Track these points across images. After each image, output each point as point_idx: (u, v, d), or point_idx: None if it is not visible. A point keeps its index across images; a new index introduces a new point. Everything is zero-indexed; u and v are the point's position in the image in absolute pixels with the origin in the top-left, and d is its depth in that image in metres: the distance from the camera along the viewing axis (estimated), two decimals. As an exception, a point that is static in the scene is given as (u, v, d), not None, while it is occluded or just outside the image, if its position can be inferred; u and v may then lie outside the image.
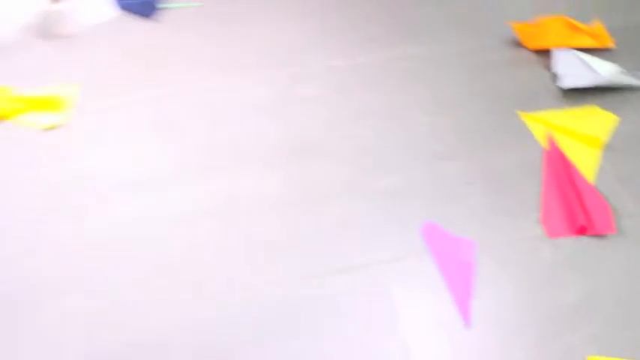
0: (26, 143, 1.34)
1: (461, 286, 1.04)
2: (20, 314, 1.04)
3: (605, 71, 1.38)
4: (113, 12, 1.61)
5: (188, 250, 1.13)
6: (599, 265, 1.08)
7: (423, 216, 1.18)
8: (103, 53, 1.52)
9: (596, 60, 1.42)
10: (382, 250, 1.13)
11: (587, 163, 1.23)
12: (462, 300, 1.03)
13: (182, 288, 1.08)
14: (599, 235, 1.12)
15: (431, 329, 1.02)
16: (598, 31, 1.50)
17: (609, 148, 1.28)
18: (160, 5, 1.63)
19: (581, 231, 1.11)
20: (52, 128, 1.36)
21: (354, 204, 1.21)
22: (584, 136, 1.28)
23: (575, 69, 1.40)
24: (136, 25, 1.60)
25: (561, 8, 1.58)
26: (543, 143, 1.29)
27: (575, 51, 1.45)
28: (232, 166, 1.27)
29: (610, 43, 1.49)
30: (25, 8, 1.57)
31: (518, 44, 1.52)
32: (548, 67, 1.46)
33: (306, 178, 1.25)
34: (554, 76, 1.42)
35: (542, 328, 1.00)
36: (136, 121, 1.37)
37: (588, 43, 1.49)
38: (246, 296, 1.07)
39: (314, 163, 1.28)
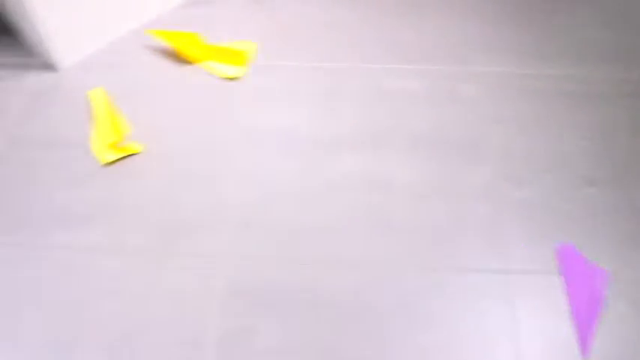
0: (206, 89, 1.50)
1: (586, 316, 1.07)
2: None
3: None
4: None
5: (324, 218, 1.24)
6: None
7: (558, 236, 1.21)
8: (293, 19, 1.64)
9: None
10: (512, 260, 1.18)
11: None
12: (585, 330, 1.06)
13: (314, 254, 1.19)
14: None
15: (546, 350, 1.06)
16: None
17: None
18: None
19: None
20: (231, 79, 1.50)
21: (491, 208, 1.25)
22: None
23: None
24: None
25: None
26: None
27: None
28: (381, 147, 1.36)
29: None
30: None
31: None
32: None
33: (447, 174, 1.31)
34: None
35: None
36: (307, 88, 1.48)
37: None
38: (362, 272, 1.16)
39: (458, 161, 1.33)
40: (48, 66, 1.56)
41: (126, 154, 1.36)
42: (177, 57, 1.56)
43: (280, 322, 1.11)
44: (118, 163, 1.36)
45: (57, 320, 1.14)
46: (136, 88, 1.51)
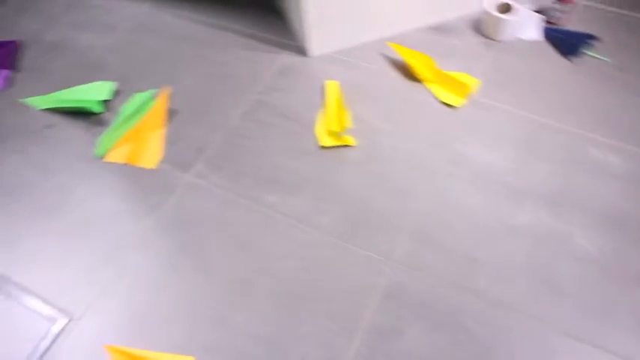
0: (425, 108, 1.65)
1: None
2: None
3: None
4: (538, 36, 1.81)
5: (492, 256, 1.35)
6: None
7: None
8: (521, 68, 1.73)
9: None
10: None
11: None
12: None
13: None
14: None
15: None
16: None
17: None
18: (582, 50, 1.76)
19: None
20: (447, 104, 1.64)
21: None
22: None
23: None
24: (550, 55, 1.77)
25: None
26: None
27: None
28: (566, 208, 1.41)
29: None
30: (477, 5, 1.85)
31: None
32: None
33: (626, 254, 1.33)
34: None
35: None
36: (513, 133, 1.58)
37: None
38: (513, 317, 1.25)
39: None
40: (300, 50, 1.82)
41: (341, 144, 1.56)
42: (407, 73, 1.73)
43: (426, 333, 1.24)
44: (332, 149, 1.56)
45: (243, 263, 1.38)
46: (366, 89, 1.70)
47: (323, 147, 1.55)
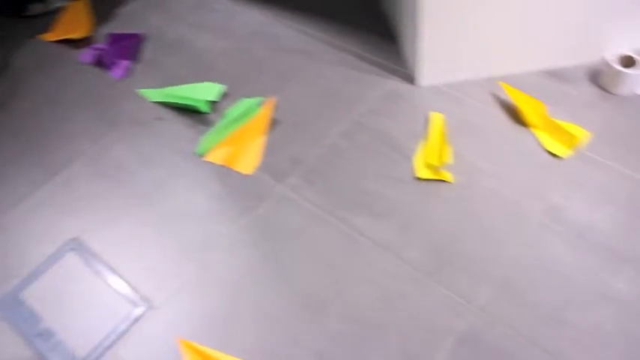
0: (528, 155, 1.60)
1: None
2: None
3: None
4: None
5: (582, 320, 1.27)
6: None
7: None
8: (625, 119, 1.65)
9: None
10: None
11: None
12: None
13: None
14: None
15: None
16: None
17: None
18: None
19: None
20: (552, 154, 1.58)
21: None
22: None
23: None
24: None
25: None
26: None
27: None
28: None
29: None
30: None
31: None
32: None
33: None
34: None
35: None
36: (619, 195, 1.49)
37: None
38: None
39: None
40: (408, 78, 1.81)
41: (438, 179, 1.53)
42: (515, 115, 1.69)
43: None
44: (428, 182, 1.54)
45: (322, 281, 1.38)
46: (469, 126, 1.67)
47: (418, 178, 1.54)
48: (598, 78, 1.77)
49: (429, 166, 1.54)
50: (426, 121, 1.68)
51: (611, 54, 1.71)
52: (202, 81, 1.87)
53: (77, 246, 1.50)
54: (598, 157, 1.57)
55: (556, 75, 1.79)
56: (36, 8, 2.27)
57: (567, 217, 1.44)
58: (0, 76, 2.05)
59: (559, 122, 1.62)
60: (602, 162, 1.56)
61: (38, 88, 1.98)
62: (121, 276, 1.43)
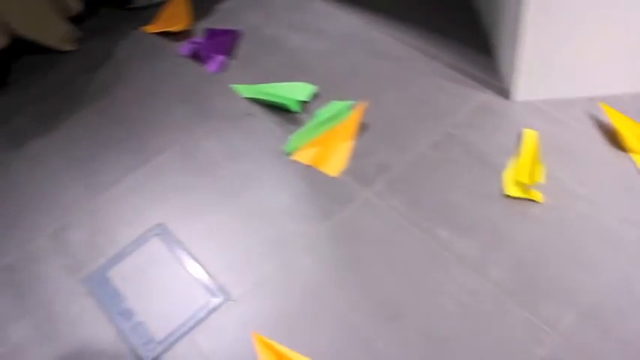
0: (625, 180, 1.53)
1: None
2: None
3: None
4: None
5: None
6: None
7: None
8: None
9: None
10: None
11: None
12: None
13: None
14: None
15: None
16: None
17: None
18: None
19: None
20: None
21: None
22: None
23: None
24: None
25: None
26: None
27: None
28: None
29: None
30: None
31: None
32: None
33: None
34: None
35: None
36: None
37: None
38: None
39: None
40: (503, 92, 1.77)
41: (527, 198, 1.49)
42: (614, 139, 1.62)
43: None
44: (516, 201, 1.50)
45: (400, 291, 1.38)
46: (564, 147, 1.61)
47: (507, 196, 1.50)
48: None
49: (519, 184, 1.51)
50: (519, 138, 1.63)
51: None
52: (295, 80, 1.89)
53: (162, 232, 1.56)
54: None
55: (661, 99, 1.70)
56: (140, 1, 2.38)
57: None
58: (106, 64, 2.16)
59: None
60: None
61: (140, 77, 2.07)
62: (201, 265, 1.47)
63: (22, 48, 2.22)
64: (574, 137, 1.63)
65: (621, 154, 1.59)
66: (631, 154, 1.58)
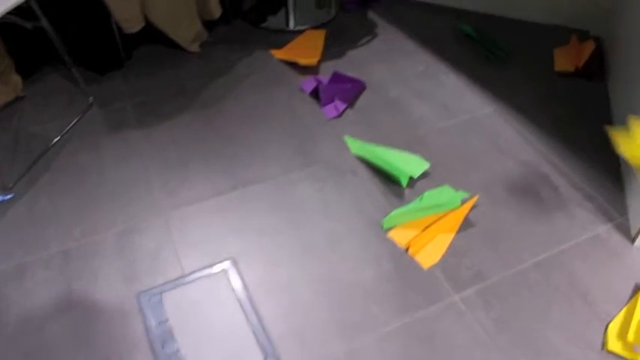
0: None
1: None
2: None
3: None
4: None
5: None
6: None
7: None
8: None
9: None
10: None
11: None
12: None
13: None
14: None
15: None
16: None
17: None
18: None
19: None
20: None
21: None
22: None
23: None
24: None
25: None
26: None
27: None
28: None
29: None
30: None
31: None
32: None
33: None
34: None
35: None
36: None
37: None
38: None
39: None
40: (625, 231, 1.65)
41: (627, 357, 1.34)
42: None
43: None
44: (617, 357, 1.35)
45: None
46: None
47: (607, 349, 1.35)
48: None
49: (624, 342, 1.36)
50: (634, 289, 1.49)
51: None
52: (409, 151, 1.81)
53: (231, 268, 1.49)
54: None
55: None
56: (274, 23, 2.37)
57: None
58: (224, 75, 2.15)
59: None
60: None
61: (254, 98, 2.06)
62: (260, 319, 1.39)
63: (150, 36, 2.24)
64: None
65: None
66: None
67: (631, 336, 1.38)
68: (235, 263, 1.51)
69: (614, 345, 1.38)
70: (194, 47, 2.21)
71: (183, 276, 1.48)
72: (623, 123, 1.90)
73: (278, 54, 2.24)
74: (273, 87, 2.09)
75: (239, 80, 2.12)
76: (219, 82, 2.11)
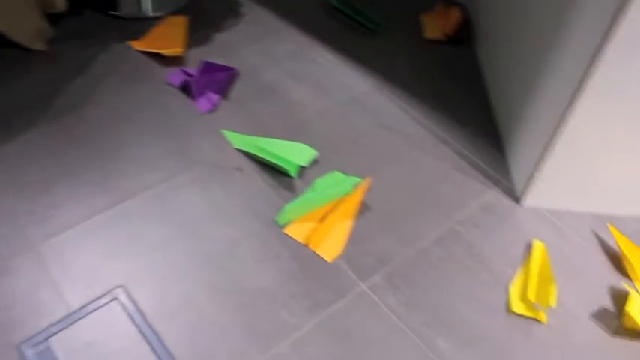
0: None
1: None
2: None
3: None
4: None
5: None
6: None
7: None
8: None
9: None
10: None
11: None
12: None
13: None
14: None
15: None
16: None
17: None
18: None
19: None
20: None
21: None
22: None
23: None
24: None
25: None
26: None
27: None
28: None
29: None
30: None
31: None
32: None
33: None
34: None
35: None
36: None
37: None
38: None
39: None
40: (510, 193, 1.70)
41: (531, 316, 1.39)
42: (616, 262, 1.57)
43: None
44: (520, 318, 1.42)
45: None
46: (569, 264, 1.55)
47: (511, 311, 1.39)
48: None
49: (526, 302, 1.40)
50: (526, 248, 1.55)
51: None
52: (292, 139, 1.74)
53: (123, 295, 1.34)
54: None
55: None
56: (128, 10, 2.15)
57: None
58: (79, 76, 1.91)
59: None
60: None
61: (117, 99, 1.85)
62: (166, 346, 1.26)
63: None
64: (579, 255, 1.58)
65: (624, 279, 1.53)
66: (635, 283, 1.52)
67: (531, 295, 1.42)
68: (127, 289, 1.36)
69: (517, 306, 1.42)
70: (39, 46, 1.95)
71: (69, 314, 1.30)
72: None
73: (138, 46, 2.04)
74: (136, 84, 1.89)
75: (97, 80, 1.90)
76: (75, 84, 1.87)
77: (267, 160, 1.65)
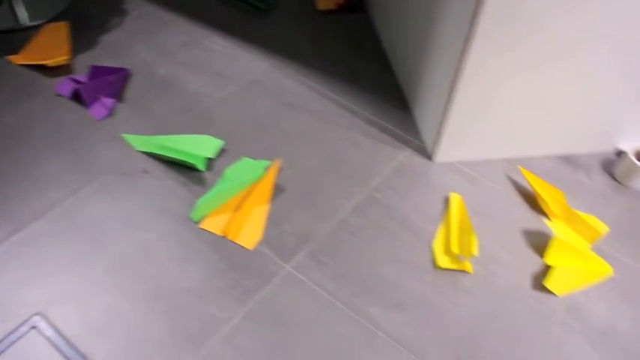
0: (541, 240, 1.50)
1: None
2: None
3: None
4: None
5: None
6: None
7: None
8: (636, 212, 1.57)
9: None
10: None
11: None
12: None
13: None
14: None
15: None
16: None
17: None
18: None
19: None
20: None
21: None
22: None
23: None
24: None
25: None
26: None
27: None
28: None
29: None
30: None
31: None
32: None
33: None
34: None
35: None
36: (635, 290, 1.41)
37: None
38: None
39: None
40: (422, 151, 1.70)
41: (457, 268, 1.41)
42: (532, 201, 1.60)
43: None
44: (447, 272, 1.43)
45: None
46: (485, 209, 1.58)
47: (438, 267, 1.40)
48: (611, 168, 1.72)
49: (450, 255, 1.42)
50: (444, 202, 1.56)
51: (629, 147, 1.66)
52: (196, 132, 1.69)
53: (41, 323, 1.26)
54: (615, 253, 1.49)
55: (570, 161, 1.74)
56: (3, 21, 2.01)
57: (589, 316, 1.37)
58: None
59: (579, 213, 1.53)
60: (619, 258, 1.50)
61: (6, 119, 1.73)
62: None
63: None
64: (495, 200, 1.61)
65: (540, 217, 1.57)
66: (549, 218, 1.57)
67: (454, 247, 1.44)
68: (45, 315, 1.28)
69: (443, 260, 1.43)
70: None
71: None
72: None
73: (19, 59, 1.91)
74: (24, 100, 1.78)
75: (-21, 103, 1.77)
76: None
77: (173, 158, 1.59)
